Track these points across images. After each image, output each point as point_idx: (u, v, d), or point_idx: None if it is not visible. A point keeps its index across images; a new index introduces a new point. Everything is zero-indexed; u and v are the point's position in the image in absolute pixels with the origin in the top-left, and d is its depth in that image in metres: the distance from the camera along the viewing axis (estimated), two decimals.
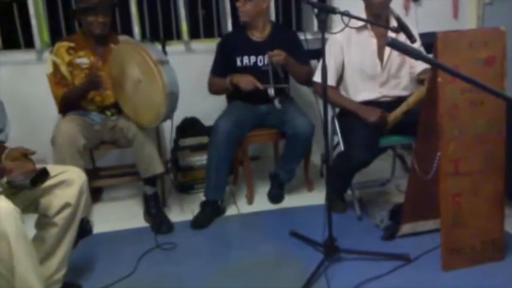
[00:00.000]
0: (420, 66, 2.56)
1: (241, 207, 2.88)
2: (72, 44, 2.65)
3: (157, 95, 2.35)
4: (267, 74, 2.74)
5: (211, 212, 2.73)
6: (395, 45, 1.24)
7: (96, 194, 3.02)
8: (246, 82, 2.74)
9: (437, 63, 1.43)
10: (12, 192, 1.75)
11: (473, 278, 2.05)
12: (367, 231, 2.49)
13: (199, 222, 2.66)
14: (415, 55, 1.27)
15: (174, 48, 3.33)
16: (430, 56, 2.03)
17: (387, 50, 2.56)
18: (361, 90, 2.61)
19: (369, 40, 2.56)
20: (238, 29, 3.01)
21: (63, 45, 2.65)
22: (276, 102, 2.74)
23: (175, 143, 3.21)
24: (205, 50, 3.10)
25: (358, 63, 2.58)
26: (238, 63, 2.87)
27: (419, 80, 2.57)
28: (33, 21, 3.16)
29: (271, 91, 2.72)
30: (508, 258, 2.16)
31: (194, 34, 3.55)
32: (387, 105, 2.54)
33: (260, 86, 2.72)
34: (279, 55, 2.69)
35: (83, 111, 2.68)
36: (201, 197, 2.81)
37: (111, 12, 2.71)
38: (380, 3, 2.46)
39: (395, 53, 2.55)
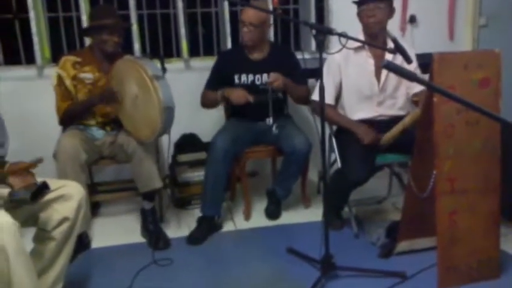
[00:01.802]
0: (416, 87, 2.61)
1: (238, 223, 2.89)
2: (78, 59, 2.69)
3: (153, 110, 2.38)
4: (265, 93, 2.77)
5: (207, 227, 2.74)
6: (390, 67, 1.28)
7: (93, 209, 3.02)
8: (237, 96, 2.76)
9: (431, 85, 1.46)
10: (12, 205, 1.76)
11: None
12: (363, 248, 2.50)
13: (195, 238, 2.66)
14: (410, 77, 1.30)
15: (174, 65, 3.37)
16: (426, 76, 2.07)
17: (384, 70, 2.60)
18: (358, 110, 2.65)
19: (366, 61, 2.60)
20: (237, 48, 3.06)
21: (69, 59, 2.68)
22: (274, 128, 2.77)
23: (174, 158, 3.23)
24: (205, 68, 3.14)
25: (355, 83, 2.62)
26: (236, 80, 2.91)
27: (413, 102, 2.61)
28: (35, 38, 3.19)
29: (269, 120, 2.76)
30: (503, 276, 2.17)
31: (194, 52, 3.59)
32: (384, 124, 2.58)
33: (251, 99, 2.74)
34: (277, 80, 2.72)
35: (83, 126, 2.71)
36: (198, 212, 2.81)
37: (123, 33, 2.75)
38: (374, 23, 2.51)
39: (392, 74, 2.59)
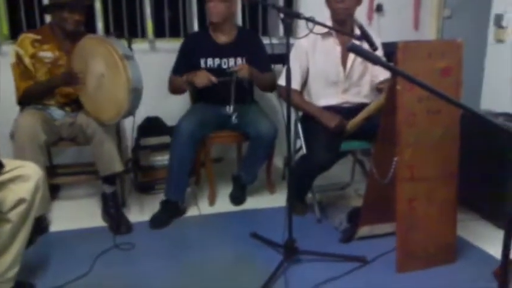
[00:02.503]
0: (381, 75, 2.64)
1: (203, 208, 2.87)
2: (38, 37, 2.59)
3: (121, 90, 2.32)
4: (230, 76, 2.74)
5: (170, 211, 2.71)
6: (355, 49, 1.28)
7: (53, 192, 2.93)
8: (201, 77, 2.72)
9: (395, 69, 1.48)
10: None
11: (426, 279, 2.12)
12: (326, 233, 2.53)
13: (157, 221, 2.63)
14: (374, 60, 1.31)
15: (139, 46, 3.29)
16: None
17: (350, 58, 2.62)
18: (323, 96, 2.66)
19: (333, 47, 2.61)
20: (203, 31, 3.02)
21: (28, 36, 2.59)
22: (233, 118, 2.74)
23: (137, 142, 3.17)
24: (170, 50, 3.08)
25: (321, 69, 2.63)
26: (202, 64, 2.86)
27: (378, 89, 2.65)
28: None
29: (230, 108, 2.71)
30: (459, 261, 2.24)
31: (159, 33, 3.52)
32: (348, 111, 2.60)
33: (214, 79, 2.70)
34: (242, 69, 2.71)
35: (42, 105, 2.62)
36: (161, 197, 2.78)
37: (85, 11, 2.66)
38: (343, 9, 2.52)
39: (358, 61, 2.62)
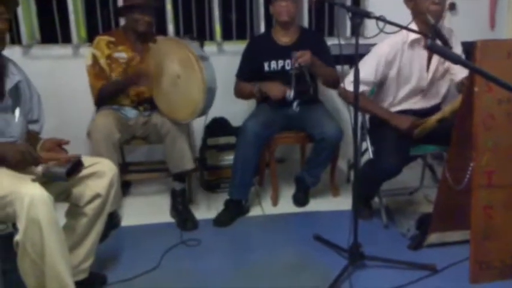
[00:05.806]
0: (460, 74, 2.48)
1: (266, 208, 2.89)
2: (112, 39, 2.71)
3: (196, 91, 2.39)
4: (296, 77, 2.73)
5: (234, 210, 2.75)
6: (434, 48, 1.23)
7: (124, 189, 3.06)
8: (277, 91, 2.73)
9: (476, 68, 1.40)
10: (46, 180, 1.79)
11: None
12: (393, 239, 2.46)
13: (222, 220, 2.68)
14: (454, 59, 1.25)
15: (207, 48, 3.34)
16: None
17: (433, 62, 2.48)
18: (404, 101, 2.55)
19: (418, 53, 2.46)
20: (265, 34, 3.03)
21: (103, 38, 2.71)
22: (294, 106, 2.73)
23: (204, 141, 3.24)
24: (237, 52, 3.12)
25: (406, 76, 2.49)
26: (266, 68, 2.87)
27: (460, 88, 2.50)
28: (72, 17, 3.23)
29: (290, 94, 2.71)
30: None
31: (226, 35, 3.57)
32: (422, 113, 2.49)
33: (290, 94, 2.71)
34: (304, 55, 2.66)
35: (117, 105, 2.74)
36: (226, 196, 2.82)
37: (155, 13, 2.76)
38: (435, 11, 2.33)
39: (440, 63, 2.49)
